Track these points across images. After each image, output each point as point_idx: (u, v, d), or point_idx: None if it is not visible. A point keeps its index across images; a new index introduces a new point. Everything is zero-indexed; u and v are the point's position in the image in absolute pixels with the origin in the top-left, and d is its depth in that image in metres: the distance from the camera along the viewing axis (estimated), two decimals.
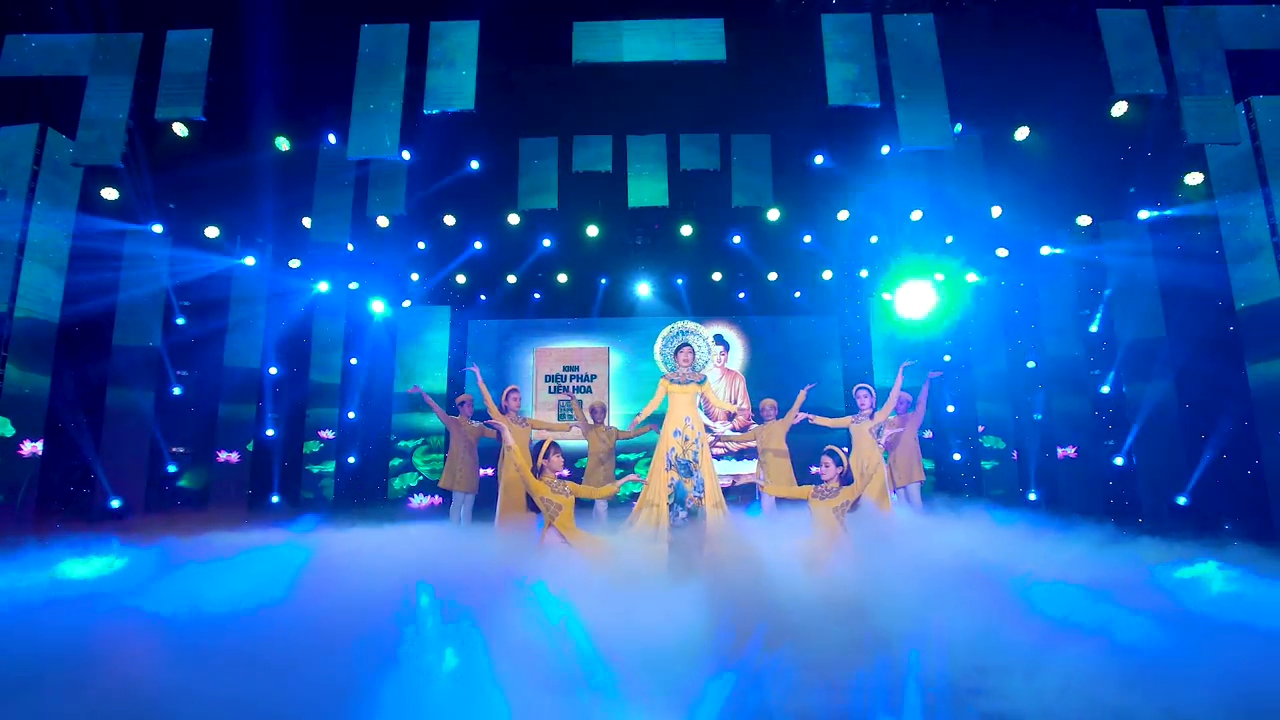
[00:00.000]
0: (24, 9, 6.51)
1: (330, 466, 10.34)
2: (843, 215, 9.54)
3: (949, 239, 9.56)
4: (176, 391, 8.60)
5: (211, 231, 8.67)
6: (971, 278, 10.00)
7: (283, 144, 7.71)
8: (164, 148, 7.07)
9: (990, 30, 6.64)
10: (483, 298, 11.82)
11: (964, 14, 6.63)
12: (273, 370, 9.67)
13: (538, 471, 4.75)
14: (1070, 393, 8.95)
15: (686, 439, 5.51)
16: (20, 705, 2.57)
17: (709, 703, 2.37)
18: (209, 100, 6.53)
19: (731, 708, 2.37)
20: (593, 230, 9.55)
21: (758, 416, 6.93)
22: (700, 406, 5.89)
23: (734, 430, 11.18)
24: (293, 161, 7.82)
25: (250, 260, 9.08)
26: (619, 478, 6.05)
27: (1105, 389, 8.69)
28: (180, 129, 6.81)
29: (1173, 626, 3.34)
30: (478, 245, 10.27)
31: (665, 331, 5.96)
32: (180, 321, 8.66)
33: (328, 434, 10.35)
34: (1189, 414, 7.67)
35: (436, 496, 10.40)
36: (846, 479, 4.81)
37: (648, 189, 7.96)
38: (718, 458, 10.50)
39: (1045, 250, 9.21)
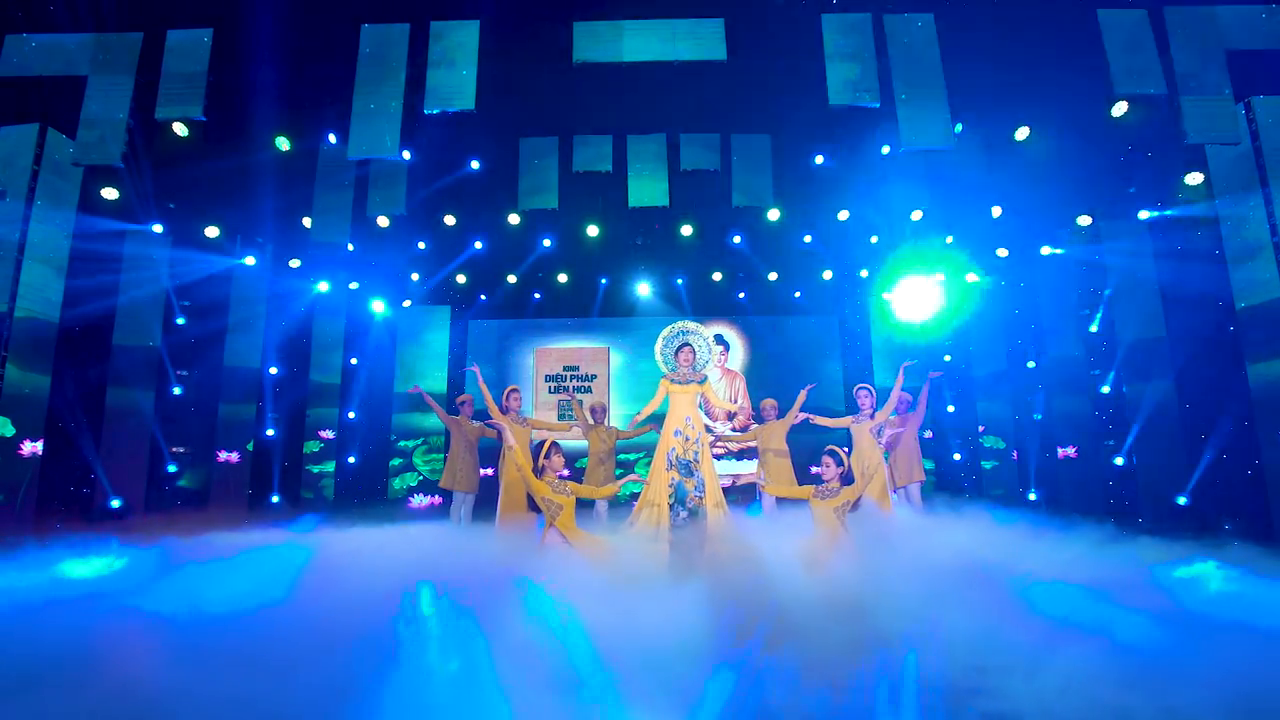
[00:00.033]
0: (24, 9, 6.51)
1: (330, 466, 10.34)
2: (843, 215, 9.53)
3: (949, 239, 9.56)
4: (177, 391, 8.61)
5: (212, 231, 8.67)
6: (972, 278, 10.00)
7: (283, 144, 7.70)
8: (164, 148, 7.06)
9: (990, 30, 6.62)
10: (483, 298, 11.82)
11: (964, 14, 6.62)
12: (273, 370, 9.68)
13: (539, 471, 4.75)
14: (1070, 393, 8.95)
15: (687, 439, 5.51)
16: (20, 705, 2.58)
17: (709, 703, 2.37)
18: (209, 100, 6.54)
19: (732, 708, 2.38)
20: (593, 230, 9.55)
21: (758, 416, 6.93)
22: (701, 406, 5.89)
23: (734, 430, 11.17)
24: (293, 161, 7.82)
25: (250, 260, 9.08)
26: (619, 478, 6.03)
27: (1105, 389, 8.69)
28: (180, 129, 6.80)
29: (1172, 626, 3.35)
30: (478, 245, 10.26)
31: (665, 331, 5.97)
32: (180, 321, 8.67)
33: (328, 434, 10.36)
34: (1189, 414, 7.67)
35: (437, 496, 10.39)
36: (847, 479, 4.82)
37: (648, 189, 7.96)
38: (718, 458, 10.50)
39: (1045, 250, 9.21)
